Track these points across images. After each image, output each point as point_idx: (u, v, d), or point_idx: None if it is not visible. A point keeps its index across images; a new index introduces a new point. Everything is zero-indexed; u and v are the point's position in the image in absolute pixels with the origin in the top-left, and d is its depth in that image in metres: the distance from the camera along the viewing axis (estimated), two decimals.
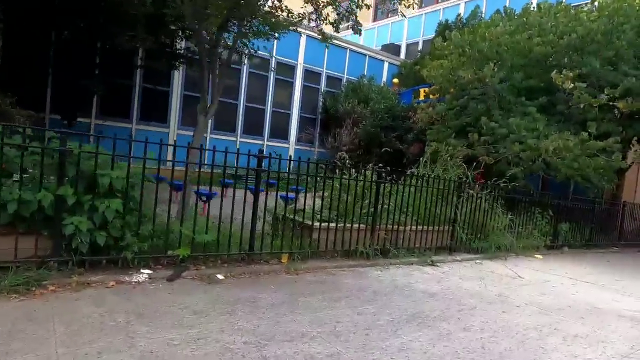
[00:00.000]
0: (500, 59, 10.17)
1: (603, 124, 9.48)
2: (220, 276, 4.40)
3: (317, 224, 5.59)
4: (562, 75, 8.28)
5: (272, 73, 15.53)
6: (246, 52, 8.49)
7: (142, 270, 4.07)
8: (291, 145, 16.33)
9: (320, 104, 16.83)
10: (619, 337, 4.10)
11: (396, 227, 6.35)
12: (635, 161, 13.27)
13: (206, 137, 14.18)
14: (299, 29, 12.89)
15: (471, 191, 7.31)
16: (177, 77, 13.53)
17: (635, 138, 10.76)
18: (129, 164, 4.20)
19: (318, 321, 3.55)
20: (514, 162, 9.11)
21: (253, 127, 15.41)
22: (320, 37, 7.99)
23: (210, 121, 14.64)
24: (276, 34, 8.36)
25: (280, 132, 16.16)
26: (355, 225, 5.92)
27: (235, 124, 15.05)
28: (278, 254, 5.11)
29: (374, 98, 15.36)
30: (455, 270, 6.29)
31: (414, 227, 6.68)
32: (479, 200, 7.71)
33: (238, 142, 14.92)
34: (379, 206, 6.12)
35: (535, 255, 8.40)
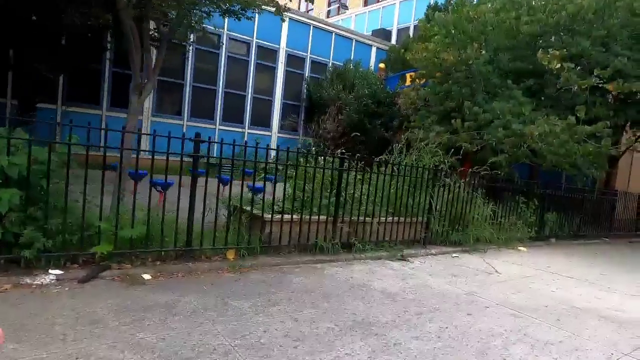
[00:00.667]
0: (485, 40, 9.56)
1: (594, 109, 8.94)
2: (146, 276, 3.87)
3: (269, 216, 5.05)
4: (548, 55, 7.69)
5: (252, 58, 14.88)
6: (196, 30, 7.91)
7: (50, 271, 3.54)
8: (274, 133, 15.73)
9: (305, 90, 16.20)
10: (596, 344, 3.61)
11: (363, 218, 5.82)
12: (628, 148, 12.78)
13: (183, 125, 13.59)
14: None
15: (447, 179, 6.78)
16: (150, 61, 12.84)
17: (629, 124, 10.22)
18: (49, 149, 3.66)
19: (242, 331, 3.03)
20: (498, 149, 8.56)
21: (233, 115, 14.79)
22: (274, 10, 7.39)
23: (187, 108, 14.04)
24: (248, 14, 7.81)
25: (262, 119, 15.53)
26: (316, 217, 5.39)
27: (214, 111, 14.42)
28: (222, 249, 4.58)
29: (358, 84, 14.73)
30: (426, 266, 5.78)
31: (384, 219, 6.16)
32: (457, 190, 7.18)
33: (217, 130, 14.32)
34: (342, 196, 5.58)
35: (519, 248, 7.90)
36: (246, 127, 15.12)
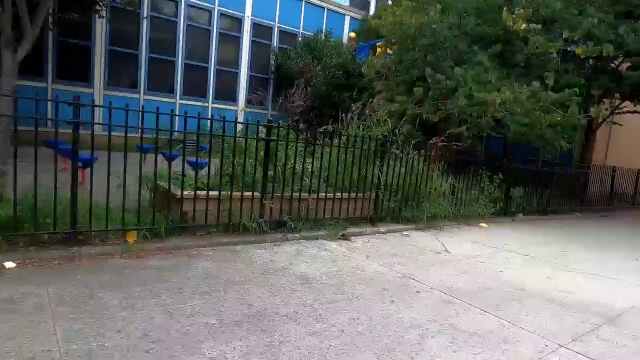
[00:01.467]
0: (450, 2, 8.86)
1: (566, 76, 8.39)
2: (10, 264, 3.27)
3: (186, 192, 4.46)
4: (514, 15, 7.05)
5: (215, 27, 13.98)
6: None
7: None
8: (240, 108, 14.98)
9: (272, 62, 15.38)
10: (530, 335, 3.13)
11: (301, 194, 5.25)
12: (604, 120, 12.33)
13: (139, 99, 12.78)
14: None
15: (397, 151, 6.21)
16: (100, 30, 11.95)
17: (601, 93, 9.71)
18: None
19: (90, 332, 2.47)
20: (462, 119, 8.00)
21: (195, 88, 13.98)
22: None
23: (143, 80, 13.17)
24: None
25: (227, 93, 14.76)
26: (247, 194, 4.80)
27: (173, 83, 13.60)
28: (117, 232, 3.98)
29: (327, 54, 13.97)
30: (368, 246, 5.27)
31: (327, 195, 5.60)
32: (412, 163, 6.64)
33: (177, 104, 13.53)
34: (272, 170, 4.99)
35: (480, 224, 7.44)
36: (210, 101, 14.34)
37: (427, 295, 3.75)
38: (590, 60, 8.67)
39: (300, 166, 5.63)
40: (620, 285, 4.69)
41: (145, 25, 12.66)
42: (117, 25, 12.23)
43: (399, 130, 6.48)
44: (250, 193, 4.87)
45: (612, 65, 9.80)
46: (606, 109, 12.17)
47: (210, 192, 4.57)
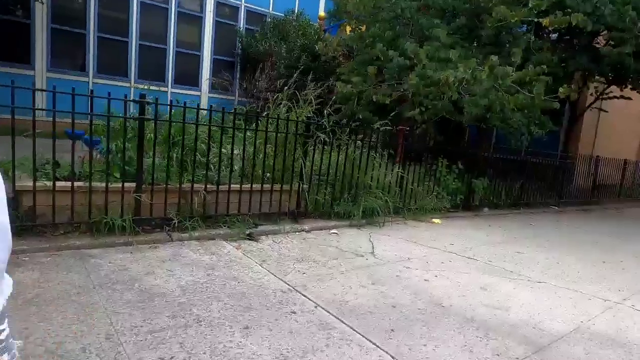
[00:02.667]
0: None
1: (540, 55, 7.47)
2: None
3: (41, 184, 3.60)
4: None
5: (173, 5, 13.00)
6: None
7: None
8: (204, 93, 14.04)
9: (239, 44, 14.40)
10: None
11: (193, 186, 4.39)
12: (590, 105, 11.42)
13: (88, 82, 11.86)
14: None
15: (322, 135, 5.32)
16: (40, 6, 10.97)
17: (582, 75, 8.80)
18: None
19: None
20: (418, 102, 7.11)
21: (151, 71, 13.02)
22: None
23: (92, 62, 12.24)
24: None
25: (188, 77, 13.79)
26: (118, 185, 3.95)
27: (127, 66, 12.65)
28: None
29: (293, 35, 13.01)
30: (276, 248, 4.41)
31: (234, 187, 4.74)
32: (348, 150, 5.77)
33: (132, 89, 12.60)
34: (151, 157, 4.13)
35: (433, 220, 6.59)
36: (169, 86, 13.41)
37: (304, 317, 2.91)
38: (567, 37, 7.74)
39: (206, 153, 4.76)
40: (570, 298, 3.84)
41: (92, 1, 11.69)
42: (59, 0, 11.28)
43: (353, 114, 5.59)
44: (127, 185, 4.01)
45: (597, 45, 8.87)
46: (591, 94, 11.28)
47: (65, 183, 3.72)
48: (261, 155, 5.01)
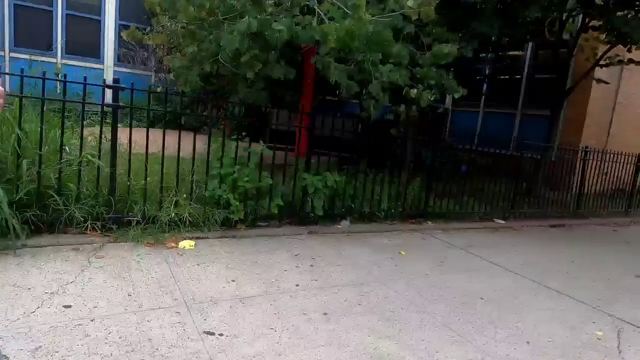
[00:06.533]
0: None
1: None
2: None
3: None
4: None
5: None
6: None
7: None
8: (107, 67, 11.70)
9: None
10: None
11: None
12: (582, 77, 8.10)
13: None
14: None
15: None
16: None
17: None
18: None
19: None
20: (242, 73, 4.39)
21: (31, 38, 10.79)
22: None
23: None
24: None
25: (86, 47, 11.50)
26: None
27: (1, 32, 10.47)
28: None
29: None
30: None
31: None
32: None
33: (7, 58, 10.42)
34: None
35: (184, 245, 3.78)
36: (58, 57, 11.12)
37: None
38: None
39: None
40: None
41: None
42: None
43: None
44: None
45: None
46: (587, 59, 8.00)
47: None
48: None
